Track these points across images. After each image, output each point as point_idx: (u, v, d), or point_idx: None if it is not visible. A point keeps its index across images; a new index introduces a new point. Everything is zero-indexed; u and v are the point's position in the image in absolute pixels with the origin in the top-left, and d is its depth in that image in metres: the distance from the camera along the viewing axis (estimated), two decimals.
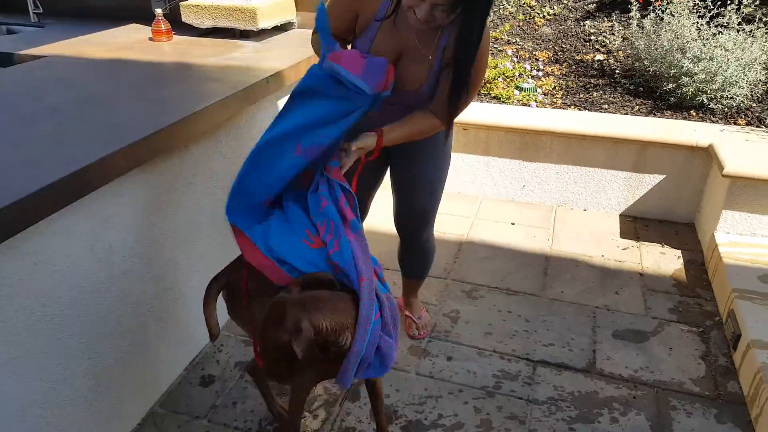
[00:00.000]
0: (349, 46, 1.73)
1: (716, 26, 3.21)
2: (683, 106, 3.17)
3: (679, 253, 2.87)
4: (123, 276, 1.77)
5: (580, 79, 3.53)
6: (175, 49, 2.62)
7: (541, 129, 3.06)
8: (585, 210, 3.24)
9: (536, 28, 3.92)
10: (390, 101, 1.62)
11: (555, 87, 3.48)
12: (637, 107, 3.22)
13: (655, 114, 3.17)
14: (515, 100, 3.37)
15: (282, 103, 2.57)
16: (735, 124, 3.03)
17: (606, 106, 3.26)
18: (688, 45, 3.13)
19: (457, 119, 1.78)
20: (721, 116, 3.08)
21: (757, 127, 2.99)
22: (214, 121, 2.01)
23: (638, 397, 2.03)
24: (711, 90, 3.06)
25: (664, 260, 2.80)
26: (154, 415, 1.98)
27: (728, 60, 3.00)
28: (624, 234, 3.02)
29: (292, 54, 2.57)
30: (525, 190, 3.28)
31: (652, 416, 1.96)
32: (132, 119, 1.78)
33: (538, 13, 3.99)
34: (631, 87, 3.40)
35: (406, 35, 1.60)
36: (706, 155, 2.88)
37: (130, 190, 1.74)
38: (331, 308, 1.38)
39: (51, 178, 1.37)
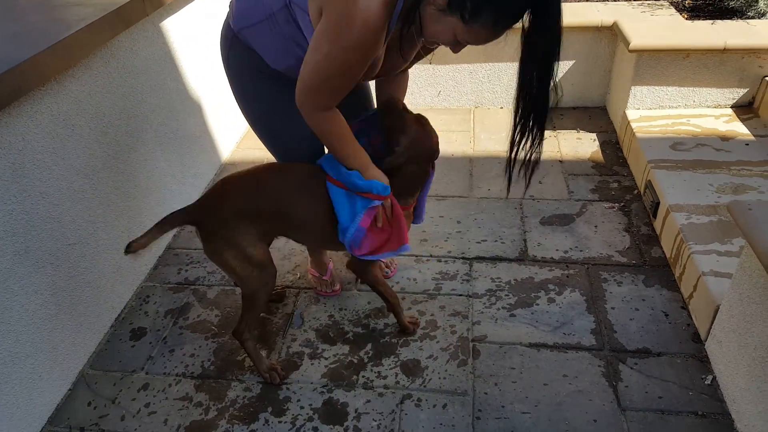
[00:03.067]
0: None
1: None
2: None
3: (594, 136, 2.93)
4: (18, 234, 1.57)
5: None
6: None
7: None
8: (501, 108, 3.23)
9: None
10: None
11: None
12: None
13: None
14: None
15: (167, 24, 2.32)
16: (635, 0, 3.05)
17: None
18: None
19: None
20: None
21: (656, 1, 3.03)
22: (85, 50, 1.77)
23: (571, 276, 2.10)
24: None
25: (581, 145, 2.86)
26: (85, 377, 1.85)
27: None
28: None
29: None
30: (441, 96, 3.22)
31: (586, 291, 2.03)
32: None
33: None
34: None
35: (398, 53, 1.42)
36: (611, 35, 2.89)
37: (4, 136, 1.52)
38: None
39: None
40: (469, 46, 1.29)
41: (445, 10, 1.19)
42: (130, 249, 1.54)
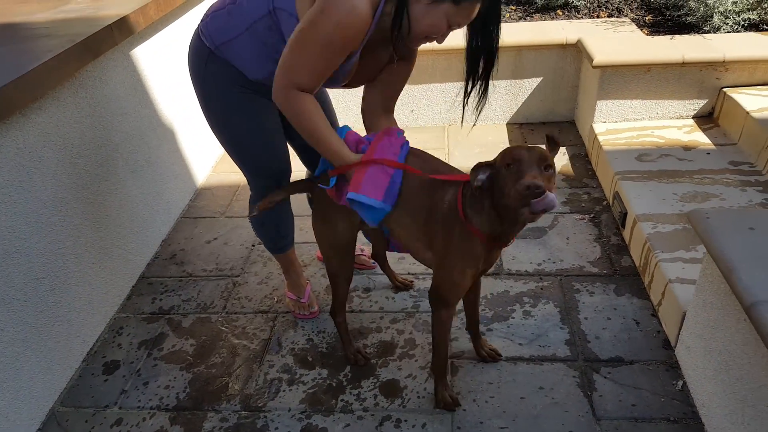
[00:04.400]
0: None
1: None
2: (550, 7, 3.24)
3: (564, 149, 2.99)
4: None
5: None
6: None
7: (421, 49, 3.01)
8: (474, 124, 3.28)
9: None
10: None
11: None
12: (509, 14, 3.25)
13: (525, 19, 3.22)
14: None
15: (138, 53, 2.33)
16: (598, 17, 3.14)
17: None
18: None
19: None
20: (585, 12, 3.19)
21: (617, 17, 3.12)
22: (52, 82, 1.77)
23: (545, 288, 2.13)
24: None
25: None
26: (56, 415, 1.80)
27: None
28: (512, 141, 3.10)
29: None
30: (414, 115, 3.26)
31: (560, 302, 2.06)
32: None
33: None
34: None
35: (383, 53, 1.53)
36: (577, 51, 2.97)
37: None
38: None
39: None
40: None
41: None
42: (253, 212, 1.63)
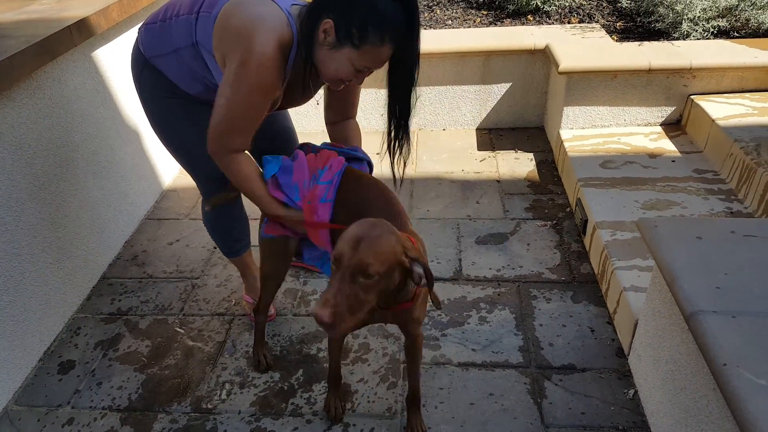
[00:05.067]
0: None
1: None
2: (521, 12, 3.25)
3: (531, 155, 3.01)
4: None
5: None
6: None
7: None
8: (444, 129, 3.30)
9: None
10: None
11: None
12: (480, 19, 3.26)
13: (496, 24, 3.23)
14: None
15: (100, 54, 2.32)
16: (569, 23, 3.16)
17: (450, 21, 3.27)
18: None
19: None
20: (556, 18, 3.20)
21: (588, 23, 3.14)
22: (6, 83, 1.76)
23: (502, 294, 2.14)
24: None
25: (518, 165, 2.93)
26: (9, 413, 1.80)
27: None
28: (481, 146, 3.11)
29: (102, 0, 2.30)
30: (384, 119, 3.26)
31: (516, 308, 2.07)
32: None
33: None
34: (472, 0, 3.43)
35: (310, 88, 1.55)
36: (545, 57, 2.99)
37: None
38: None
39: None
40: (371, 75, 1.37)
41: (336, 44, 1.29)
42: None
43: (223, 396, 1.82)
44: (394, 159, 1.54)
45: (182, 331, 2.07)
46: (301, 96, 1.56)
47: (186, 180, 2.99)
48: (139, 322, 2.12)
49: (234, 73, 1.32)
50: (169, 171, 2.98)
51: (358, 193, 1.49)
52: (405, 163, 1.56)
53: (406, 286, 1.27)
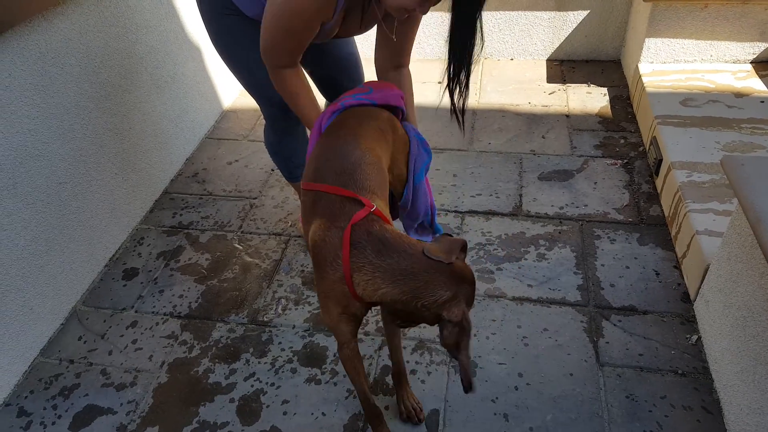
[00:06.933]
0: None
1: None
2: None
3: (605, 90, 2.82)
4: (4, 170, 1.60)
5: None
6: None
7: None
8: (512, 59, 3.12)
9: None
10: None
11: None
12: None
13: None
14: None
15: None
16: None
17: None
18: None
19: None
20: None
21: None
22: None
23: (563, 232, 2.06)
24: None
25: (590, 99, 2.76)
26: (78, 313, 1.91)
27: None
28: (551, 79, 2.94)
29: None
30: (447, 45, 3.12)
31: (577, 247, 2.00)
32: None
33: None
34: None
35: (360, 20, 1.44)
36: None
37: None
38: None
39: None
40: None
41: None
42: None
43: (279, 311, 1.86)
44: (453, 98, 1.40)
45: (240, 247, 2.11)
46: (359, 25, 1.47)
47: (245, 101, 2.98)
48: (199, 237, 2.17)
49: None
50: (230, 91, 2.97)
51: (330, 139, 1.37)
52: (464, 105, 1.43)
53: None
